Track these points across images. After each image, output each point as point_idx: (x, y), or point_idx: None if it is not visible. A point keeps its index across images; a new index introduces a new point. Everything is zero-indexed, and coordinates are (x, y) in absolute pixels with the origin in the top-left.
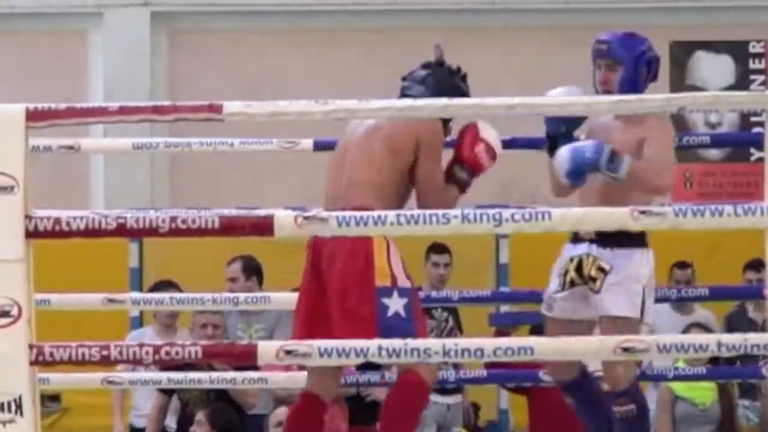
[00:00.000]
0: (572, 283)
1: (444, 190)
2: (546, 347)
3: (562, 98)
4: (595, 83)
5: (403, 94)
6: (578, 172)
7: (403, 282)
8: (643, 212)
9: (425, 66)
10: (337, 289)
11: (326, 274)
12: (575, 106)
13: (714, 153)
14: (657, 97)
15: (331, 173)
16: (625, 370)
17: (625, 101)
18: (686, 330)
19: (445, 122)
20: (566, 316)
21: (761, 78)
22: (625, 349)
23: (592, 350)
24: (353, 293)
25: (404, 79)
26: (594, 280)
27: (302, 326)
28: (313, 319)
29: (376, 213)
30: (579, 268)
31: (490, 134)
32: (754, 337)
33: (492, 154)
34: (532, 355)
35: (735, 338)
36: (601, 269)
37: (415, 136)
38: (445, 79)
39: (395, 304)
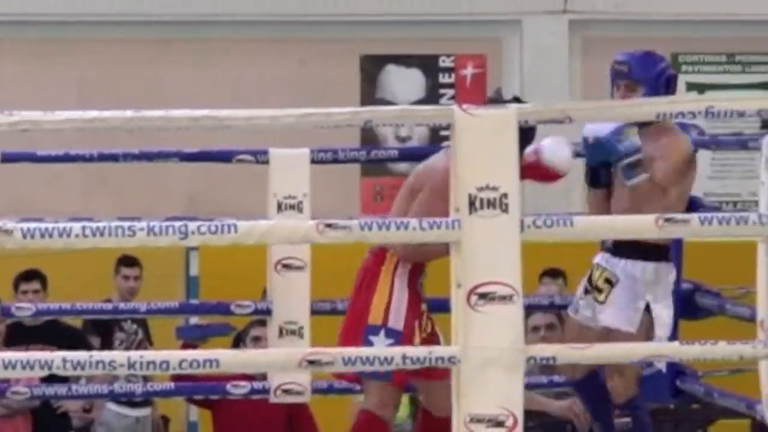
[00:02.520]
0: (586, 291)
1: None
2: (232, 360)
3: (249, 111)
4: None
5: None
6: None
7: (395, 323)
8: (328, 225)
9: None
10: (345, 318)
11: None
12: (260, 119)
13: (403, 167)
14: (344, 111)
15: None
16: (624, 384)
17: (310, 115)
18: None
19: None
20: (585, 322)
21: (451, 92)
22: (311, 362)
23: (278, 363)
24: (348, 327)
25: None
26: (600, 291)
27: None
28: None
29: (61, 225)
30: (591, 277)
31: (552, 156)
32: (438, 350)
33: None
34: (218, 367)
35: (420, 351)
36: (608, 281)
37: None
38: None
39: (380, 344)
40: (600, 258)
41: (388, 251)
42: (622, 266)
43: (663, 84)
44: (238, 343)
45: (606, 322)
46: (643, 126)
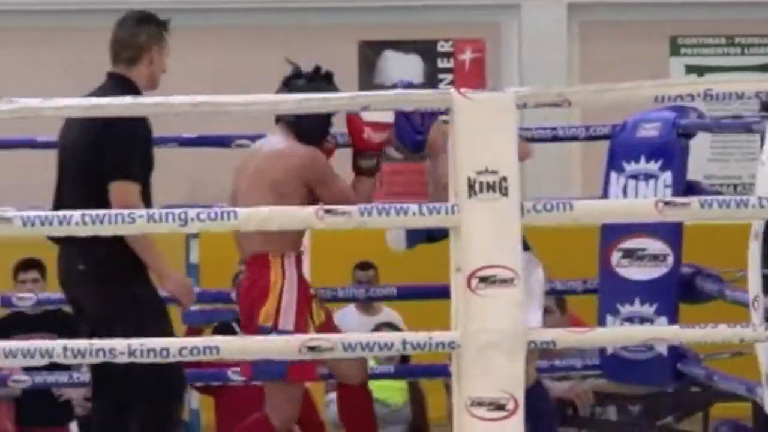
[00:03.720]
0: None
1: (358, 193)
2: (232, 347)
3: (247, 96)
4: None
5: None
6: None
7: (285, 324)
8: (328, 211)
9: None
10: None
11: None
12: (260, 105)
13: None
14: (342, 96)
15: None
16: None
17: (310, 100)
18: (375, 329)
19: (323, 135)
20: None
21: (450, 77)
22: (311, 348)
23: (278, 350)
24: (244, 326)
25: (285, 85)
26: None
27: None
28: None
29: (61, 213)
30: None
31: (371, 115)
32: (438, 335)
33: (382, 128)
34: (218, 354)
35: (420, 336)
36: None
37: (300, 179)
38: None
39: None
40: None
41: (268, 255)
42: None
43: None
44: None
45: None
46: None
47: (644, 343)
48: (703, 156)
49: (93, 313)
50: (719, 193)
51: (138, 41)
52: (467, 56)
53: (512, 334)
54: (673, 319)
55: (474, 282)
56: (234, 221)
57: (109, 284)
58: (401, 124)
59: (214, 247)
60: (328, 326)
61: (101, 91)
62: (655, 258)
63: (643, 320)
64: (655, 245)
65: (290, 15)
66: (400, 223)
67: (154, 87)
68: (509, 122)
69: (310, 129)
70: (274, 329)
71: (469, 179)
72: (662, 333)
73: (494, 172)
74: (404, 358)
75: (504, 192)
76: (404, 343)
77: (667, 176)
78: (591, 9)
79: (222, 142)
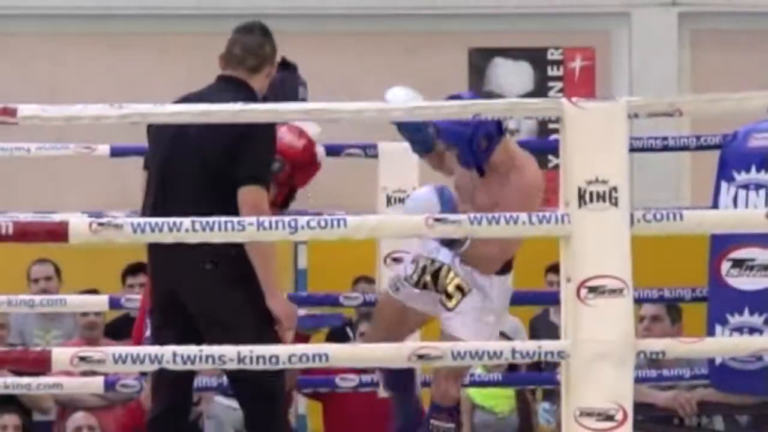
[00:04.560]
0: (425, 286)
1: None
2: (341, 354)
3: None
4: None
5: None
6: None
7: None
8: (438, 220)
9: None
10: None
11: None
12: (370, 112)
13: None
14: (453, 104)
15: None
16: (453, 388)
17: (422, 108)
18: None
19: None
20: (409, 303)
21: (559, 85)
22: (420, 356)
23: (388, 358)
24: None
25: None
26: (450, 296)
27: None
28: None
29: (171, 220)
30: (436, 276)
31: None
32: (548, 344)
33: (296, 132)
34: (327, 362)
35: (529, 345)
36: (459, 288)
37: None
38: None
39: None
40: (445, 256)
41: None
42: (470, 274)
43: (482, 137)
44: (342, 337)
45: (451, 330)
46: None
47: (753, 354)
48: None
49: (208, 314)
50: None
51: (264, 51)
52: (577, 64)
53: (621, 344)
54: None
55: (583, 292)
56: (344, 229)
57: (235, 285)
58: (464, 149)
59: (322, 252)
60: None
61: (224, 93)
62: (765, 268)
63: (753, 330)
64: (764, 255)
65: (400, 21)
66: (510, 233)
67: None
68: (620, 132)
69: None
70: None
71: (579, 189)
72: None
73: (605, 182)
74: (512, 367)
75: (614, 202)
76: (514, 351)
77: None
78: (702, 17)
79: (331, 150)
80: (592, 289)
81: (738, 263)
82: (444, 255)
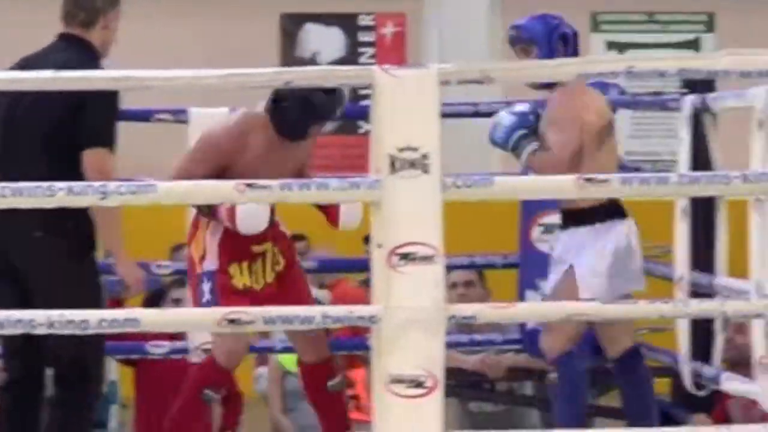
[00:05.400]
0: None
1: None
2: (152, 319)
3: (170, 71)
4: None
5: None
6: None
7: (209, 265)
8: (249, 185)
9: None
10: None
11: None
12: (181, 79)
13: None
14: (265, 71)
15: None
16: (552, 341)
17: (232, 75)
18: None
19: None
20: None
21: (371, 51)
22: (231, 321)
23: (198, 322)
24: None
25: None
26: None
27: None
28: None
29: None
30: None
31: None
32: (359, 309)
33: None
34: (138, 327)
35: (341, 310)
36: None
37: None
38: None
39: (206, 290)
40: None
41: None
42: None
43: (557, 41)
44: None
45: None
46: (550, 87)
47: (564, 319)
48: (623, 132)
49: (35, 282)
50: (639, 169)
51: (95, 4)
52: (388, 30)
53: (432, 311)
54: None
55: (394, 259)
56: (154, 194)
57: (67, 258)
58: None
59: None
60: (270, 292)
61: (58, 53)
62: None
63: None
64: None
65: None
66: (322, 199)
67: (106, 54)
68: (431, 99)
69: (287, 120)
70: (203, 273)
71: (390, 156)
72: (584, 309)
73: (415, 149)
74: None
75: (425, 169)
76: (325, 316)
77: None
78: None
79: (141, 116)
80: (404, 256)
81: (549, 228)
82: None
